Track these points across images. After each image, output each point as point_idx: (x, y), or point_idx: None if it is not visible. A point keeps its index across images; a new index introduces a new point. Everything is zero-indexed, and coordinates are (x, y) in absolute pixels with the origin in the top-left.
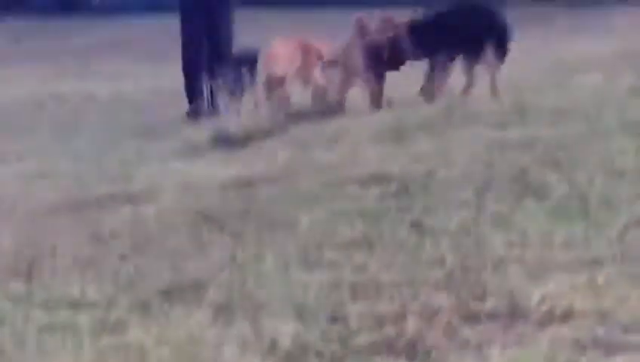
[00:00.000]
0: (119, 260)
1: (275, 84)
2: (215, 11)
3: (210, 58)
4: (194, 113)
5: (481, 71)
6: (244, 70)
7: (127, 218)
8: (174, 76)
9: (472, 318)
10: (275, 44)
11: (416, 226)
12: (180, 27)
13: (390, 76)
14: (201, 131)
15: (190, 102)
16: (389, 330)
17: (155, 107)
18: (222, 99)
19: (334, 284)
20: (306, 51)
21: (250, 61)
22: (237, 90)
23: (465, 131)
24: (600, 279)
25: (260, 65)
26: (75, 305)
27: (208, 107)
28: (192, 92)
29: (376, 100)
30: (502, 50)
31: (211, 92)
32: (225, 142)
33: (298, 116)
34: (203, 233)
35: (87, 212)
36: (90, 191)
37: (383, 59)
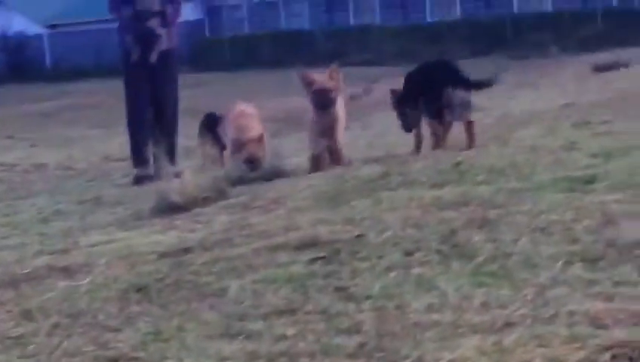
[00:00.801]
0: (45, 337)
1: (242, 146)
2: (159, 75)
3: (155, 122)
4: (139, 179)
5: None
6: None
7: (60, 292)
8: (124, 142)
9: None
10: (239, 108)
11: (341, 292)
12: (125, 92)
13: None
14: (145, 198)
15: (136, 167)
16: None
17: (103, 174)
18: (164, 165)
19: (252, 356)
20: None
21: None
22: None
23: (401, 192)
24: (507, 341)
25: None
26: None
27: (155, 172)
28: (138, 158)
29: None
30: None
31: (155, 157)
32: (166, 208)
33: (242, 180)
34: (132, 305)
35: (21, 287)
36: (27, 265)
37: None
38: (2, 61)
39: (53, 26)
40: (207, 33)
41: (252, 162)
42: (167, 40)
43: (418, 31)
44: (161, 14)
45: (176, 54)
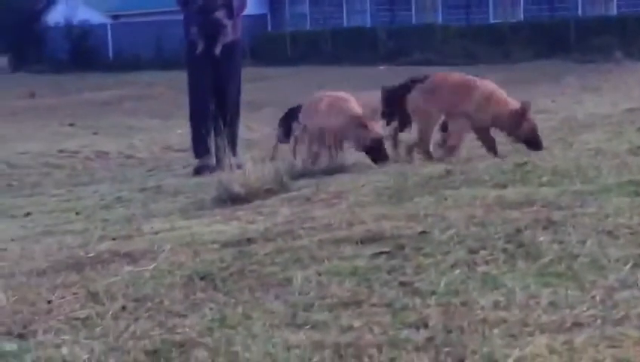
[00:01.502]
0: (112, 319)
1: (319, 135)
2: (224, 66)
3: (218, 113)
4: (200, 169)
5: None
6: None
7: (125, 276)
8: (184, 132)
9: None
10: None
11: (406, 286)
12: (188, 83)
13: None
14: (206, 188)
15: (197, 157)
16: None
17: (164, 164)
18: (226, 156)
19: (318, 345)
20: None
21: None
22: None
23: (464, 191)
24: (577, 341)
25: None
26: None
27: (216, 163)
28: (199, 148)
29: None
30: None
31: (217, 147)
32: (228, 199)
33: (302, 173)
34: (197, 292)
35: (86, 270)
36: (92, 249)
37: None
38: (66, 49)
39: (116, 17)
40: (269, 28)
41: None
42: (232, 32)
43: (480, 31)
44: (227, 6)
45: (240, 46)
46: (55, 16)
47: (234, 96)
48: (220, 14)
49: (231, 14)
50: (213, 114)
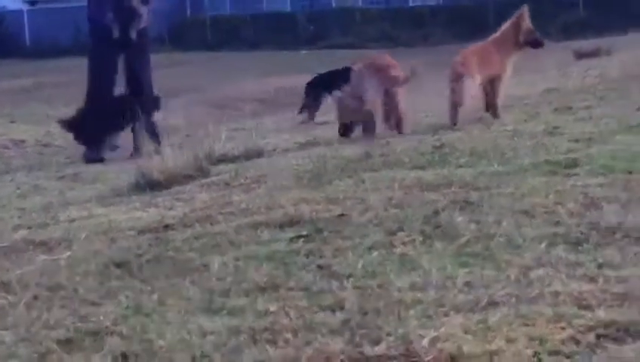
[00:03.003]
0: (24, 309)
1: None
2: (137, 53)
3: (134, 100)
4: (93, 160)
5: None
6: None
7: (38, 265)
8: None
9: None
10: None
11: (323, 269)
12: (90, 67)
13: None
14: (124, 175)
15: (87, 146)
16: None
17: (82, 151)
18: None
19: (234, 330)
20: None
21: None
22: None
23: (383, 173)
24: (492, 320)
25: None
26: None
27: (135, 151)
28: (94, 138)
29: None
30: None
31: (134, 133)
32: (146, 185)
33: (221, 158)
34: (112, 280)
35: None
36: (6, 238)
37: None
38: None
39: (32, 3)
40: (188, 13)
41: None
42: (145, 18)
43: (400, 14)
44: None
45: (149, 33)
46: None
47: (148, 83)
48: (136, 1)
49: (145, 1)
50: (129, 102)
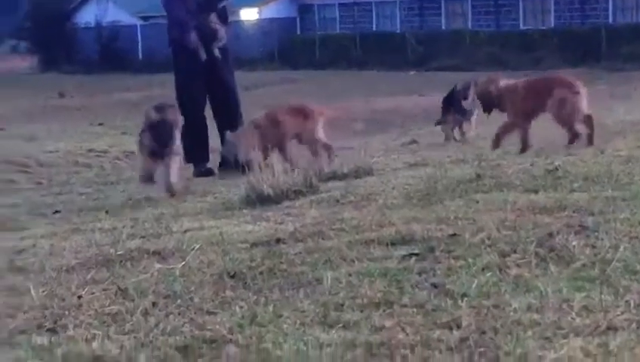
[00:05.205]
0: (142, 316)
1: None
2: (221, 71)
3: (222, 116)
4: (204, 173)
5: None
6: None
7: (154, 274)
8: (210, 133)
9: None
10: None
11: (437, 288)
12: (180, 88)
13: None
14: (234, 189)
15: (194, 163)
16: None
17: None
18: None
19: (350, 344)
20: None
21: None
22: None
23: (494, 195)
24: (613, 344)
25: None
26: (96, 359)
27: (236, 166)
28: (197, 155)
29: None
30: None
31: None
32: (256, 200)
33: (331, 176)
34: (227, 290)
35: (115, 267)
36: (121, 247)
37: None
38: (96, 50)
39: (145, 18)
40: (298, 31)
41: None
42: (225, 37)
43: (510, 38)
44: (219, 11)
45: (230, 52)
46: (85, 17)
47: (235, 101)
48: (214, 18)
49: (224, 20)
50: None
